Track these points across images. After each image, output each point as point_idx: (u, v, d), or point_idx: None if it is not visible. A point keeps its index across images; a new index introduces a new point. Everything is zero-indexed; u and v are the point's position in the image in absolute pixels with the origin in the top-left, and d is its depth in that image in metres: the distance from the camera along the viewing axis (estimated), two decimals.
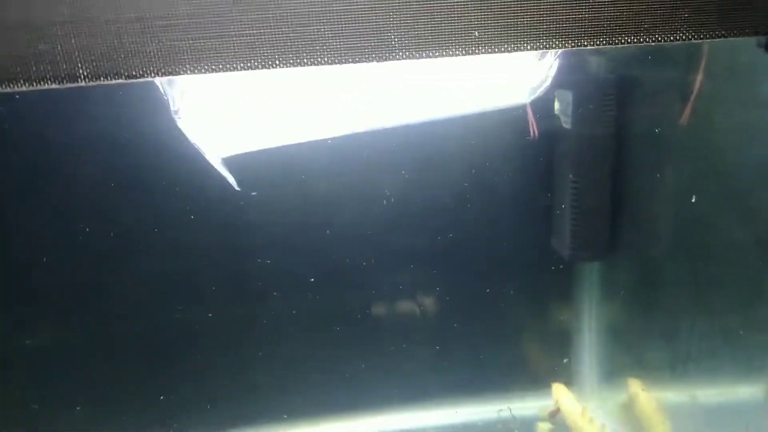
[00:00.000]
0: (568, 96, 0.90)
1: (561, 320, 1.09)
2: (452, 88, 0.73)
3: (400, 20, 0.48)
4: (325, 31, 0.48)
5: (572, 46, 0.52)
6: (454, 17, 0.49)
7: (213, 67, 0.47)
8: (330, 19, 0.47)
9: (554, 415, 1.06)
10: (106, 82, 0.45)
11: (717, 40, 0.54)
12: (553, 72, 0.72)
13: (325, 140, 0.74)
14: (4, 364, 0.97)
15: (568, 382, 1.08)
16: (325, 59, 0.48)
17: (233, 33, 0.46)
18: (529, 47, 0.51)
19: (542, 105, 0.89)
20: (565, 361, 1.09)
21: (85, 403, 0.99)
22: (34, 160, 0.88)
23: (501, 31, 0.50)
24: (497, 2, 0.49)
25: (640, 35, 0.53)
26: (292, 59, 0.48)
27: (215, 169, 0.72)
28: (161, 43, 0.46)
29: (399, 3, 0.48)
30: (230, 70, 0.47)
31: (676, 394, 0.93)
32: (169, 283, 0.97)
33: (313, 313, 1.01)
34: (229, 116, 0.69)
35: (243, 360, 1.02)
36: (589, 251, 0.98)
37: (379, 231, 0.97)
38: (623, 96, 0.90)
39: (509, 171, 0.97)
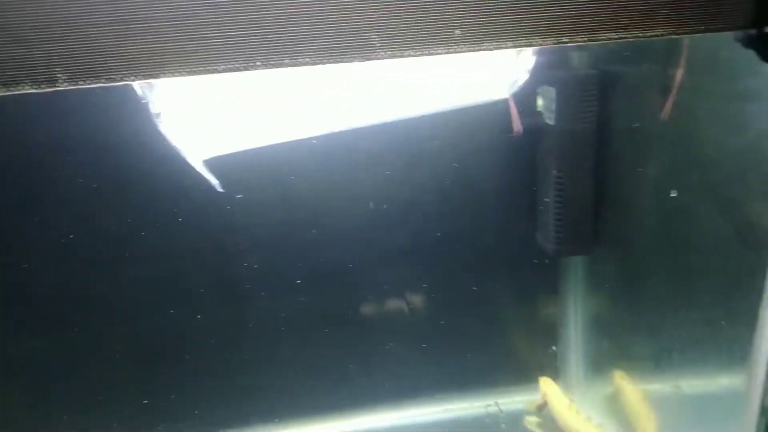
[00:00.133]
0: (551, 92, 0.91)
1: (547, 314, 1.10)
2: (432, 84, 0.73)
3: (381, 20, 0.48)
4: (306, 31, 0.47)
5: (553, 43, 0.52)
6: (435, 16, 0.49)
7: (193, 69, 0.46)
8: (311, 19, 0.47)
9: (542, 409, 1.07)
10: (84, 86, 0.45)
11: (696, 35, 0.54)
12: (530, 67, 0.72)
13: (308, 140, 0.74)
14: None
15: (555, 376, 1.09)
16: (307, 60, 0.48)
17: (213, 35, 0.46)
18: (510, 45, 0.51)
19: (526, 101, 0.89)
20: (553, 348, 1.10)
21: (73, 409, 0.99)
22: (11, 165, 0.87)
23: (482, 29, 0.50)
24: (478, 1, 0.49)
25: (620, 32, 0.53)
26: (274, 60, 0.48)
27: (198, 172, 0.72)
28: (141, 47, 0.45)
29: (380, 2, 0.48)
30: (211, 73, 0.47)
31: (660, 385, 0.94)
32: (153, 287, 0.96)
33: (299, 313, 1.01)
34: (210, 118, 0.68)
35: (230, 362, 1.02)
36: (573, 245, 0.99)
37: (363, 230, 0.97)
38: (605, 91, 0.90)
39: (494, 167, 0.98)
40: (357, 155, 0.92)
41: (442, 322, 1.05)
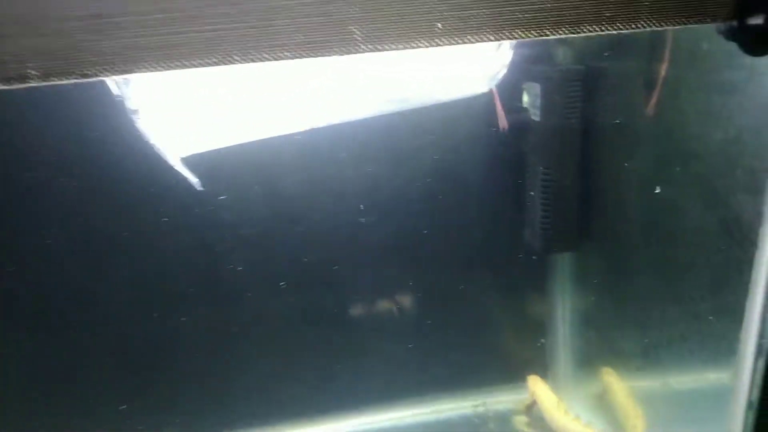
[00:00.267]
0: (536, 88, 0.90)
1: (535, 312, 1.09)
2: (411, 78, 0.72)
3: (361, 13, 0.47)
4: (285, 25, 0.47)
5: (535, 36, 0.52)
6: (416, 9, 0.48)
7: (170, 64, 0.45)
8: (290, 13, 0.46)
9: (531, 408, 1.07)
10: (58, 82, 0.44)
11: (679, 28, 0.54)
12: (509, 60, 0.72)
13: (287, 136, 0.73)
14: None
15: (543, 374, 1.09)
16: (286, 54, 0.47)
17: (190, 29, 0.45)
18: (491, 38, 0.51)
19: (511, 97, 0.89)
20: (542, 341, 1.09)
21: (55, 412, 0.97)
22: None
23: (463, 22, 0.50)
24: None
25: (603, 24, 0.53)
26: (252, 55, 0.47)
27: (176, 170, 0.71)
28: (116, 41, 0.44)
29: None
30: (188, 67, 0.46)
31: (649, 381, 0.94)
32: (133, 288, 0.95)
33: (283, 314, 1.00)
34: (188, 114, 0.67)
35: (214, 365, 1.01)
36: (560, 242, 0.99)
37: (347, 228, 0.97)
38: (590, 87, 0.90)
39: (480, 164, 0.98)
40: (340, 152, 0.91)
41: (429, 321, 1.05)
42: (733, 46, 0.55)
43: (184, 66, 0.46)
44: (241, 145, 0.73)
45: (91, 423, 0.99)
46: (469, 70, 0.74)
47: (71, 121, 0.81)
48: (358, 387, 1.06)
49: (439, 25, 0.49)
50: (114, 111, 0.65)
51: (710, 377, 0.81)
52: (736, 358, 0.68)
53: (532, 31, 0.52)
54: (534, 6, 0.51)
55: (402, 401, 1.09)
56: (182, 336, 0.98)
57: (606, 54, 0.89)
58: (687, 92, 0.76)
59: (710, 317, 0.77)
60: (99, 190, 0.87)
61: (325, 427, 1.08)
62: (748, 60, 0.62)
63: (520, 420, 1.07)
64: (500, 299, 1.08)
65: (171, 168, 0.71)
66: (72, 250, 0.90)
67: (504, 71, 0.73)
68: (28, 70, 0.43)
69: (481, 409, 1.10)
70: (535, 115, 0.92)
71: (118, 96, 0.63)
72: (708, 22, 0.54)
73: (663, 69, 0.77)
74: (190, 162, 0.72)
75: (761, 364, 0.65)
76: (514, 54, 0.76)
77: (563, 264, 1.07)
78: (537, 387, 1.05)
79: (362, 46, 0.48)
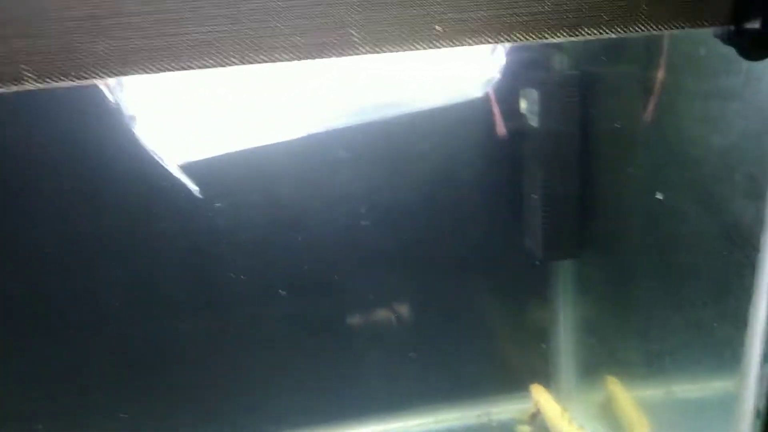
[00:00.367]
0: (534, 94, 0.91)
1: (536, 320, 1.09)
2: (404, 82, 0.73)
3: (360, 15, 0.47)
4: (283, 27, 0.47)
5: (534, 39, 0.52)
6: (414, 11, 0.48)
7: (166, 66, 0.45)
8: (288, 14, 0.46)
9: (534, 418, 1.06)
10: (53, 84, 0.43)
11: (676, 32, 0.54)
12: (503, 65, 0.72)
13: (285, 142, 0.73)
14: None
15: (547, 383, 1.08)
16: (284, 56, 0.47)
17: (187, 31, 0.45)
18: (490, 40, 0.51)
19: (508, 103, 0.90)
20: (542, 346, 1.08)
21: (50, 419, 0.96)
22: None
23: (462, 24, 0.50)
24: None
25: (601, 27, 0.53)
26: (250, 57, 0.47)
27: (175, 176, 0.71)
28: (113, 42, 0.44)
29: None
30: (185, 69, 0.46)
31: (653, 390, 0.93)
32: (129, 295, 0.94)
33: (283, 322, 1.00)
34: (185, 120, 0.67)
35: (212, 373, 1.00)
36: (561, 249, 0.99)
37: (346, 235, 0.96)
38: (587, 92, 0.91)
39: (479, 171, 0.98)
40: (337, 157, 0.91)
41: (430, 330, 1.04)
42: (730, 51, 0.56)
43: (181, 68, 0.46)
44: (238, 151, 0.73)
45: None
46: (463, 73, 0.75)
47: (68, 128, 0.81)
48: (359, 396, 1.06)
49: (438, 27, 0.49)
50: (110, 117, 0.65)
51: (715, 385, 0.81)
52: (742, 365, 0.67)
53: (531, 34, 0.52)
54: (533, 9, 0.51)
55: (404, 411, 1.08)
56: (181, 344, 0.98)
57: (603, 59, 0.89)
58: (685, 97, 0.76)
59: (714, 324, 0.77)
60: (97, 196, 0.87)
61: None
62: (746, 65, 0.62)
63: (524, 430, 1.06)
64: (502, 307, 1.08)
65: (170, 174, 0.71)
66: (70, 256, 0.90)
67: (499, 75, 0.73)
68: (23, 72, 0.43)
69: (484, 419, 1.09)
70: (533, 121, 0.92)
71: (113, 102, 0.62)
72: (706, 26, 0.54)
73: (660, 74, 0.77)
74: (188, 168, 0.72)
75: None
76: (511, 59, 0.76)
77: (565, 271, 1.06)
78: (540, 396, 1.05)
79: (360, 48, 0.48)
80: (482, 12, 0.50)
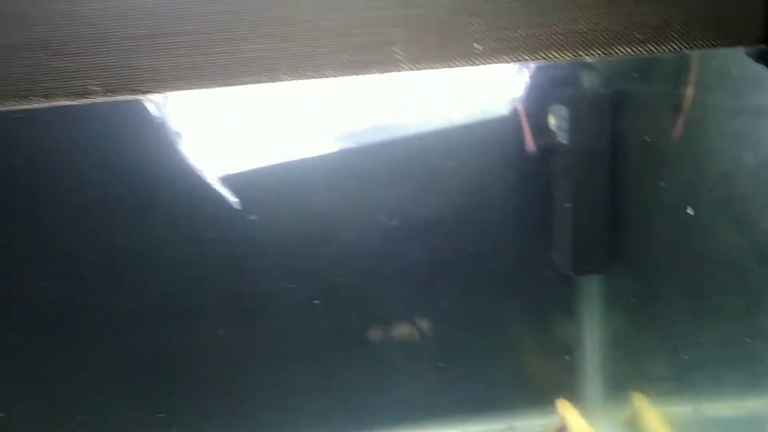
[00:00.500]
0: (563, 110, 0.92)
1: (563, 335, 1.08)
2: (434, 100, 0.74)
3: (404, 34, 0.49)
4: (331, 45, 0.49)
5: (569, 58, 0.54)
6: (455, 30, 0.50)
7: (222, 82, 0.48)
8: (336, 33, 0.49)
9: None
10: (117, 98, 0.46)
11: (707, 51, 0.55)
12: (529, 82, 0.73)
13: (318, 156, 0.75)
14: None
15: (572, 398, 1.08)
16: (331, 72, 0.49)
17: (242, 49, 0.47)
18: (527, 58, 0.53)
19: (538, 120, 0.91)
20: (566, 358, 1.08)
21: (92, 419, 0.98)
22: (27, 183, 0.89)
23: (499, 43, 0.52)
24: (496, 16, 0.51)
25: (634, 46, 0.54)
26: (299, 73, 0.49)
27: (215, 189, 0.73)
28: (171, 59, 0.47)
29: (402, 16, 0.49)
30: (238, 85, 0.48)
31: (681, 408, 0.92)
32: (164, 304, 0.96)
33: (313, 334, 1.00)
34: (227, 135, 0.69)
35: (239, 382, 1.01)
36: (589, 264, 0.99)
37: (375, 249, 0.97)
38: (618, 110, 0.91)
39: (508, 186, 0.98)
40: (370, 172, 0.92)
41: (458, 343, 1.04)
42: (761, 69, 0.56)
43: (235, 83, 0.48)
44: (273, 165, 0.75)
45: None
46: (488, 90, 0.76)
47: (113, 142, 0.84)
48: (386, 408, 1.06)
49: (477, 45, 0.51)
50: (155, 132, 0.67)
51: (746, 405, 0.80)
52: None
53: (567, 52, 0.53)
54: (568, 28, 0.52)
55: (429, 424, 1.08)
56: (212, 352, 0.99)
57: (633, 77, 0.90)
58: (715, 114, 0.77)
59: (746, 340, 0.76)
60: (139, 209, 0.89)
61: None
62: None
63: None
64: (528, 321, 1.07)
65: (211, 187, 0.73)
66: (113, 264, 0.92)
67: (526, 91, 0.74)
68: (90, 86, 0.46)
69: None
70: (563, 138, 0.93)
71: (158, 118, 0.65)
72: (738, 46, 0.55)
73: (690, 92, 0.78)
74: (226, 181, 0.74)
75: None
76: (539, 76, 0.77)
77: (592, 286, 1.06)
78: (566, 411, 1.04)
79: (403, 66, 0.50)
80: (520, 31, 0.52)
